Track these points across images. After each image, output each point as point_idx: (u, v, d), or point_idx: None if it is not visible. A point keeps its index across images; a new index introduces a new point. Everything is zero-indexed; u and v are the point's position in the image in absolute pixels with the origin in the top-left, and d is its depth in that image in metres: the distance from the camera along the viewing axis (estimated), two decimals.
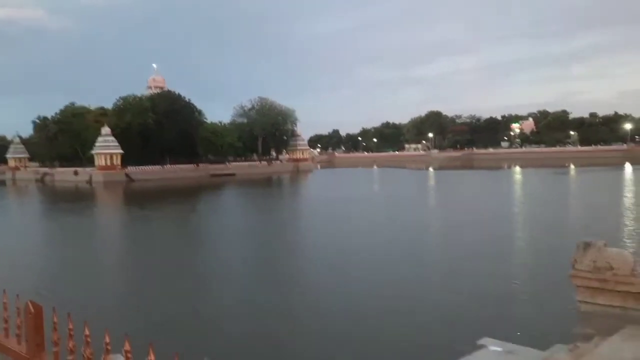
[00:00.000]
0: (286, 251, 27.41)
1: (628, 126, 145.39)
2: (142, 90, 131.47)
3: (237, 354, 12.97)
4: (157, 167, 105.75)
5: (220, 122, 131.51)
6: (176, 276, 22.02)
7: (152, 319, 15.80)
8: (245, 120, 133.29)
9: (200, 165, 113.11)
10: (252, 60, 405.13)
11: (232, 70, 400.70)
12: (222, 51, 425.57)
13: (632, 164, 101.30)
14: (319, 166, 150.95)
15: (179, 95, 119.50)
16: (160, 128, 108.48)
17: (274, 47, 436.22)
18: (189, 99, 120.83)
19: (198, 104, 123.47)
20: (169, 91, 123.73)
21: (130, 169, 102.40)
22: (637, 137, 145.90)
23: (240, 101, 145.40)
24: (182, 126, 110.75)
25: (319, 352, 12.94)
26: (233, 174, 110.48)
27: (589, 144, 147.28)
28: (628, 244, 23.68)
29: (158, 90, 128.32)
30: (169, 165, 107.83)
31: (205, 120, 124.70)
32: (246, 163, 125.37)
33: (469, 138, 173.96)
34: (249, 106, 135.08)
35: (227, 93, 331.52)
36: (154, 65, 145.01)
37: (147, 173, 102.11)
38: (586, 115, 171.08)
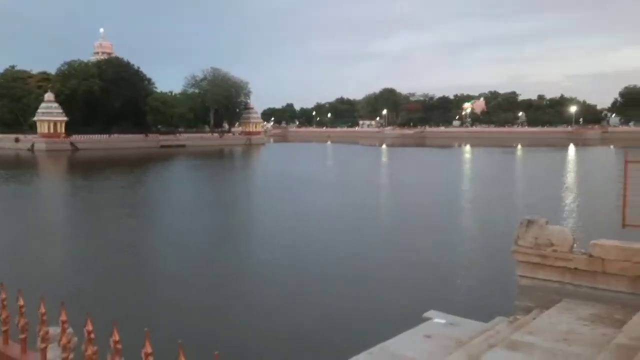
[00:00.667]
0: (233, 227, 27.03)
1: (573, 109, 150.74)
2: (88, 56, 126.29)
3: (170, 325, 12.83)
4: (103, 137, 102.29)
5: (171, 92, 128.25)
6: (117, 249, 21.51)
7: (89, 288, 15.47)
8: (197, 91, 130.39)
9: (150, 135, 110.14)
10: (207, 29, 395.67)
11: (185, 39, 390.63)
12: (175, 19, 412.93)
13: (575, 145, 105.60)
14: (272, 140, 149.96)
15: (128, 62, 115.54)
16: (107, 96, 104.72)
17: (228, 17, 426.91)
18: (138, 67, 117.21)
19: (148, 72, 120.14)
20: (116, 57, 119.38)
21: (75, 138, 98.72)
22: (581, 119, 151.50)
23: (192, 71, 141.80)
24: (130, 94, 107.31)
25: (265, 331, 12.95)
26: (183, 146, 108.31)
27: (537, 125, 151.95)
28: (568, 222, 24.72)
29: (105, 56, 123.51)
30: (116, 135, 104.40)
31: (155, 89, 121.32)
32: (197, 135, 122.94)
33: (422, 116, 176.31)
34: (201, 76, 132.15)
35: (179, 62, 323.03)
36: (101, 30, 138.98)
37: (93, 142, 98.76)
38: (534, 97, 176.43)
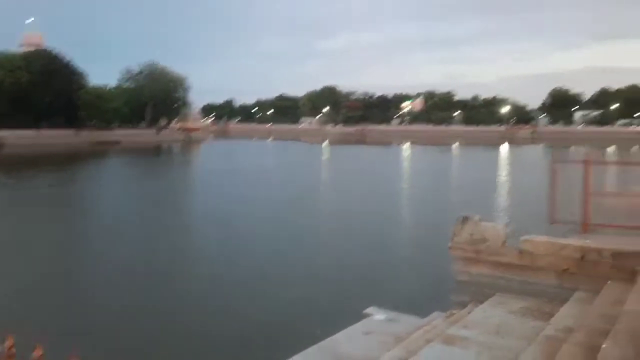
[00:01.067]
0: (166, 228, 25.98)
1: (506, 109, 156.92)
2: (15, 47, 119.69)
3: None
4: (31, 132, 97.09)
5: (106, 86, 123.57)
6: (42, 253, 20.56)
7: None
8: (133, 86, 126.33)
9: (82, 131, 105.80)
10: (144, 24, 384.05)
11: (122, 32, 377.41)
12: (112, 12, 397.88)
13: (507, 144, 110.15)
14: (211, 136, 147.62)
15: (58, 55, 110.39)
16: (36, 89, 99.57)
17: (166, 12, 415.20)
18: (69, 59, 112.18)
19: (83, 65, 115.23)
20: (46, 50, 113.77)
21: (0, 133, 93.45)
22: (513, 119, 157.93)
23: (129, 65, 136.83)
24: (61, 88, 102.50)
25: (205, 335, 12.75)
26: (118, 142, 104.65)
27: (472, 125, 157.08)
28: (501, 218, 25.72)
29: (33, 48, 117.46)
30: (45, 130, 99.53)
31: (88, 82, 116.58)
32: (133, 131, 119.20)
33: (362, 114, 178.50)
34: (138, 70, 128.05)
35: (115, 56, 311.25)
36: (30, 20, 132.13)
37: (19, 138, 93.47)
38: (470, 97, 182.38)
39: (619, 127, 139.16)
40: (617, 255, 6.71)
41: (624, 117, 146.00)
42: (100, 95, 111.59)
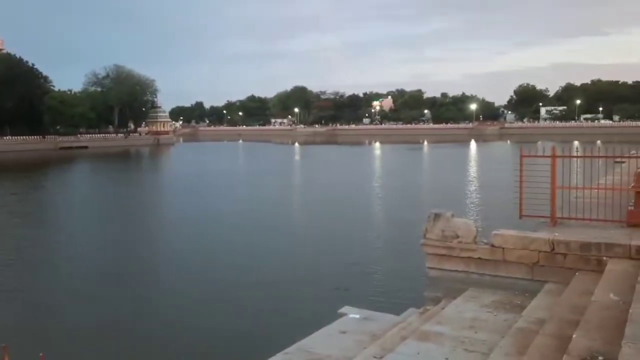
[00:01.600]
0: (136, 236, 25.45)
1: (473, 106, 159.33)
2: None
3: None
4: None
5: (71, 91, 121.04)
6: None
7: None
8: (99, 89, 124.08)
9: (48, 137, 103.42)
10: (111, 27, 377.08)
11: (87, 36, 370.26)
12: (73, 13, 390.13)
13: (476, 140, 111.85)
14: (181, 140, 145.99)
15: (20, 60, 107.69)
16: None
17: (134, 15, 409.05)
18: (32, 64, 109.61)
19: (46, 70, 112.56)
20: (7, 54, 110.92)
21: None
22: (481, 116, 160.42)
23: (94, 68, 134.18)
24: (24, 93, 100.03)
25: (186, 336, 12.62)
26: (85, 147, 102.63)
27: (440, 122, 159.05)
28: (472, 214, 26.08)
29: None
30: (9, 137, 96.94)
31: (52, 87, 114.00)
32: (101, 135, 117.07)
33: (333, 114, 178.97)
34: (104, 74, 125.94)
35: (80, 59, 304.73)
36: None
37: None
38: (438, 95, 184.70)
39: (583, 121, 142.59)
40: (584, 247, 6.86)
41: (587, 112, 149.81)
42: (65, 100, 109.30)
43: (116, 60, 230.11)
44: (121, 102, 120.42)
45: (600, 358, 3.84)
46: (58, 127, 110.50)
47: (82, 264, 19.42)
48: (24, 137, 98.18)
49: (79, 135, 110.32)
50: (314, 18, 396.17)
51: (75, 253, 21.33)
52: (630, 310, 4.27)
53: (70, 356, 10.70)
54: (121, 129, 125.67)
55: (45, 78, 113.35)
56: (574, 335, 4.33)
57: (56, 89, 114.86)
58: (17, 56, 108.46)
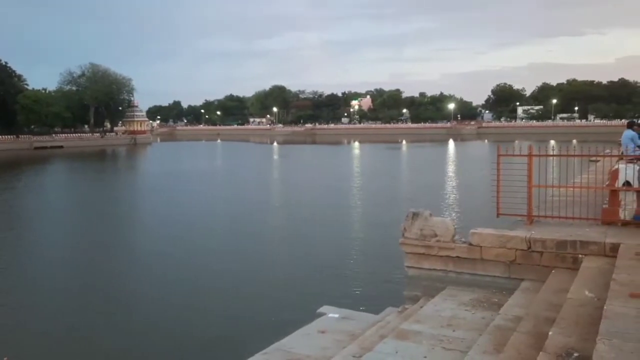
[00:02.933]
0: (109, 235, 25.10)
1: (452, 106, 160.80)
2: None
3: None
4: None
5: (45, 90, 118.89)
6: None
7: None
8: (74, 88, 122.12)
9: (22, 136, 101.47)
10: (86, 26, 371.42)
11: (59, 32, 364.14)
12: (47, 11, 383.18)
13: (454, 140, 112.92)
14: (158, 139, 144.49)
15: None
16: None
17: (109, 13, 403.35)
18: (5, 62, 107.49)
19: (19, 69, 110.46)
20: None
21: None
22: (459, 116, 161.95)
23: (69, 67, 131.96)
24: None
25: (164, 337, 12.46)
26: (60, 147, 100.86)
27: (419, 122, 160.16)
28: (450, 213, 26.29)
29: None
30: None
31: (26, 86, 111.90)
32: (76, 135, 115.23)
33: (312, 113, 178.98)
34: (79, 73, 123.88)
35: (54, 58, 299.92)
36: None
37: None
38: (417, 94, 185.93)
39: (559, 121, 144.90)
40: (560, 245, 6.95)
41: (563, 111, 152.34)
42: (40, 99, 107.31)
43: (92, 58, 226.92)
44: (97, 101, 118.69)
45: (575, 354, 3.88)
46: (32, 127, 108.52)
47: (49, 268, 18.93)
48: None
49: (54, 135, 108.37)
50: (293, 16, 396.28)
51: (43, 257, 20.80)
52: (605, 307, 4.33)
53: None
54: (97, 128, 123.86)
55: (19, 77, 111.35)
56: (550, 332, 4.37)
57: (30, 87, 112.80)
58: None
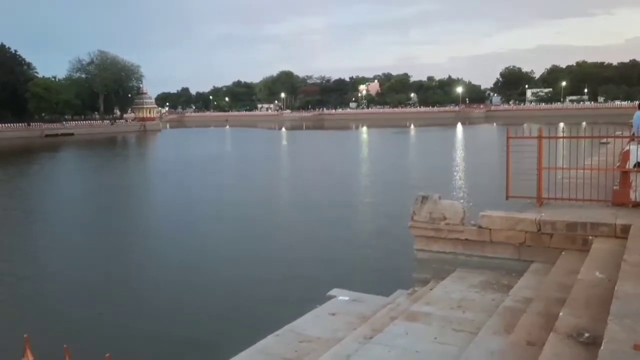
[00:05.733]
0: (125, 225, 25.03)
1: (460, 89, 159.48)
2: None
3: None
4: None
5: (55, 78, 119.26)
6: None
7: None
8: (84, 76, 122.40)
9: (33, 124, 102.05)
10: (91, 10, 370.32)
11: (68, 20, 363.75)
12: (59, 1, 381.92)
13: (462, 124, 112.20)
14: (167, 126, 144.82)
15: (2, 46, 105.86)
16: None
17: (117, 0, 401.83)
18: (15, 50, 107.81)
19: (27, 56, 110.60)
20: None
21: None
22: (467, 99, 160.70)
23: (78, 55, 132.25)
24: (7, 80, 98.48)
25: (183, 320, 12.64)
26: (71, 134, 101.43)
27: (427, 106, 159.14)
28: (459, 196, 26.23)
29: None
30: None
31: (36, 74, 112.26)
32: (86, 122, 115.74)
33: (319, 99, 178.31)
34: (88, 60, 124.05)
35: (63, 45, 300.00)
36: None
37: None
38: (424, 78, 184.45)
39: (568, 103, 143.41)
40: (570, 226, 6.93)
41: (573, 94, 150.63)
42: (50, 86, 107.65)
43: (100, 46, 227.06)
44: (106, 88, 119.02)
45: (586, 335, 3.89)
46: (43, 115, 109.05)
47: (50, 255, 19.13)
48: (8, 124, 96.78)
49: (64, 123, 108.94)
50: (299, 1, 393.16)
51: (48, 244, 21.02)
52: (616, 288, 4.33)
53: None
54: (107, 115, 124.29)
55: (29, 65, 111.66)
56: (560, 313, 4.38)
57: (39, 75, 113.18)
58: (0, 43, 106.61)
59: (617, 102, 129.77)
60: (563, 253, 6.79)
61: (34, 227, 24.67)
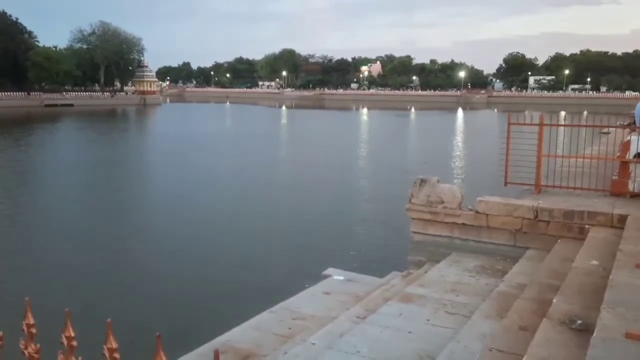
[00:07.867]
0: (122, 201, 24.70)
1: (462, 74, 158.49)
2: None
3: None
4: None
5: (56, 47, 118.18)
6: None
7: None
8: (85, 47, 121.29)
9: (32, 93, 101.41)
10: None
11: None
12: None
13: (463, 108, 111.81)
14: (168, 100, 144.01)
15: (4, 13, 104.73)
16: None
17: None
18: (16, 18, 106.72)
19: (30, 25, 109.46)
20: None
21: None
22: (469, 84, 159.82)
23: (79, 25, 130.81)
24: (7, 48, 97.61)
25: (179, 297, 12.70)
26: (71, 105, 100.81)
27: (429, 89, 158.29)
28: (458, 180, 26.25)
29: None
30: None
31: (37, 43, 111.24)
32: (86, 93, 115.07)
33: (321, 78, 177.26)
34: (89, 31, 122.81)
35: (64, 15, 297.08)
36: None
37: None
38: (427, 61, 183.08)
39: (570, 92, 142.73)
40: (567, 214, 6.95)
41: (576, 82, 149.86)
42: (50, 56, 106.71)
43: (102, 16, 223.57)
44: (107, 60, 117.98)
45: (579, 321, 3.92)
46: (43, 84, 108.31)
47: (46, 228, 19.12)
48: (8, 93, 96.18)
49: (64, 93, 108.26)
50: None
51: (43, 216, 20.93)
52: (611, 277, 4.35)
53: None
54: (107, 87, 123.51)
55: (30, 33, 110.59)
56: (553, 300, 4.41)
57: (40, 45, 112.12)
58: (0, 10, 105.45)
59: (619, 93, 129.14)
60: (559, 241, 6.83)
61: (33, 198, 24.69)
